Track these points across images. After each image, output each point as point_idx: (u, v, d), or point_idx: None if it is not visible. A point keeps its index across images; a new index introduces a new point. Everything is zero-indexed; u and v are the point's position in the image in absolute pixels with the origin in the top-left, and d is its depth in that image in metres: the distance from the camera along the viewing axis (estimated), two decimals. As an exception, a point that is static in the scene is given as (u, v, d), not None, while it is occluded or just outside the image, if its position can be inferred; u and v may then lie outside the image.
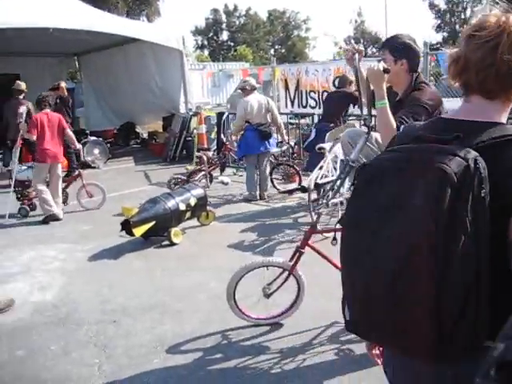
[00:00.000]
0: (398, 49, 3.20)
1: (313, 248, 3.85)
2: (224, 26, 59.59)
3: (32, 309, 4.44)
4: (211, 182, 8.87)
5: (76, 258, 5.73)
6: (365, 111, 3.33)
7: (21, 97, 10.06)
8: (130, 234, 5.76)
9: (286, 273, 3.81)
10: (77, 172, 8.21)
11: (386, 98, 2.87)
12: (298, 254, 3.78)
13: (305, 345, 3.62)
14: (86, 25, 10.78)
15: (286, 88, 12.46)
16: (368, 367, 3.16)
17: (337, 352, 3.50)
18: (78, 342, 3.80)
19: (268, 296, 3.84)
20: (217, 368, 3.40)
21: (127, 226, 5.76)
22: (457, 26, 49.46)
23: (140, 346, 3.69)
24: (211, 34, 59.31)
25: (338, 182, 3.93)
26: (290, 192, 7.68)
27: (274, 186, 8.39)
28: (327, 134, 6.73)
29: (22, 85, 10.22)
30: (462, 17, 49.75)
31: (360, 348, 3.39)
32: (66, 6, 11.28)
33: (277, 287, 3.83)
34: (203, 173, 8.63)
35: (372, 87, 2.95)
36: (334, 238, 3.71)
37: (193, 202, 6.23)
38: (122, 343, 3.76)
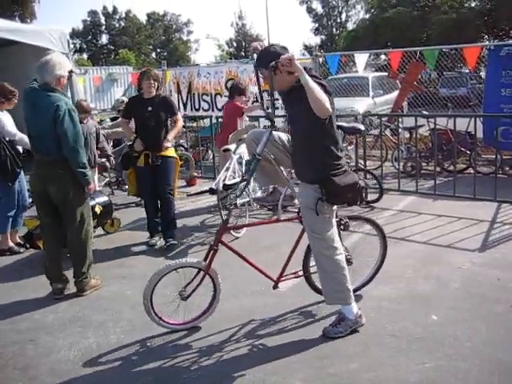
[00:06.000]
0: (269, 60, 3.42)
1: (226, 245, 3.89)
2: (103, 28, 57.93)
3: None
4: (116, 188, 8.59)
5: (-26, 277, 5.32)
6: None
7: None
8: (34, 247, 5.45)
9: (202, 273, 3.79)
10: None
11: (305, 74, 3.25)
12: (211, 252, 3.76)
13: (222, 343, 3.69)
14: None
15: (179, 91, 12.41)
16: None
17: (251, 348, 3.60)
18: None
19: (185, 299, 3.78)
20: (142, 372, 3.34)
21: (31, 239, 5.44)
22: (333, 29, 51.77)
23: (66, 362, 3.52)
24: (90, 37, 57.46)
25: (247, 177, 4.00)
26: (198, 194, 7.65)
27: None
28: (230, 136, 6.77)
29: None
30: (338, 20, 52.15)
31: (272, 341, 3.53)
32: None
33: (193, 289, 3.78)
34: (107, 180, 8.36)
35: (291, 70, 3.29)
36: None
37: (98, 209, 6.01)
38: (45, 361, 3.56)
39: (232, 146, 6.55)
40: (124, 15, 58.38)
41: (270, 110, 3.77)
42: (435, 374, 3.18)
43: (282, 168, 4.02)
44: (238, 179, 6.09)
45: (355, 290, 4.14)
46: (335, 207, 3.76)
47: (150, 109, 5.79)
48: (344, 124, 6.40)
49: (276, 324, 3.92)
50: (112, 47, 56.44)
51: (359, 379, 3.17)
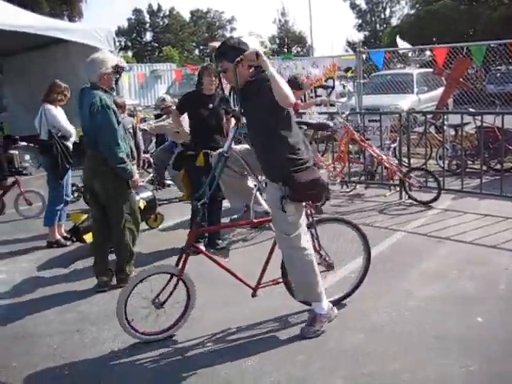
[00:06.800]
0: (233, 54, 3.47)
1: (198, 248, 3.82)
2: (148, 26, 58.75)
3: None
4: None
5: (23, 268, 5.49)
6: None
7: None
8: (81, 240, 5.59)
9: (175, 279, 3.66)
10: (14, 179, 7.87)
11: (271, 67, 3.34)
12: (184, 256, 3.65)
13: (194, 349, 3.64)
14: (10, 24, 10.30)
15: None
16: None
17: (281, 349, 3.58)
18: (41, 356, 3.65)
19: (159, 307, 3.66)
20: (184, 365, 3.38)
21: (77, 233, 5.58)
22: (377, 26, 51.12)
23: (110, 353, 3.62)
24: (134, 35, 58.37)
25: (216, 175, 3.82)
26: None
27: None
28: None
29: None
30: (382, 16, 51.46)
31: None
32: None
33: (167, 296, 3.66)
34: (150, 176, 8.46)
35: (258, 63, 3.35)
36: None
37: (142, 204, 6.11)
38: (90, 352, 3.65)
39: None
40: (168, 13, 59.08)
41: (235, 108, 3.80)
42: (479, 378, 3.11)
43: (258, 173, 3.95)
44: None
45: (347, 296, 4.15)
46: (303, 204, 3.71)
47: (210, 106, 5.54)
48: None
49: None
50: (156, 44, 57.20)
51: (398, 380, 3.14)
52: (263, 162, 3.71)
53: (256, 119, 3.62)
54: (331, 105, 9.37)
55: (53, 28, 11.12)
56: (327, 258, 4.02)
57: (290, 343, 3.63)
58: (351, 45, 47.21)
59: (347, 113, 8.11)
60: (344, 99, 10.38)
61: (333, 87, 10.07)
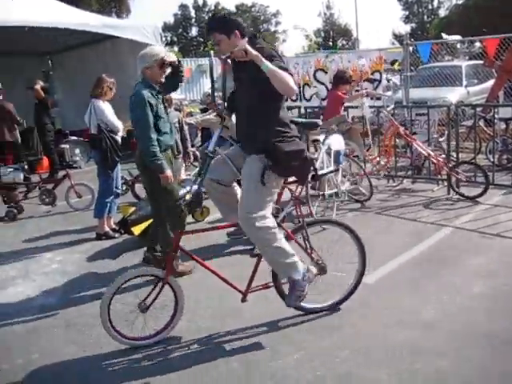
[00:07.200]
0: (225, 25, 3.46)
1: (185, 251, 3.72)
2: (193, 21, 59.22)
3: (38, 312, 4.36)
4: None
5: (74, 260, 5.66)
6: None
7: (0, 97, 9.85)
8: (129, 233, 5.71)
9: (161, 282, 3.56)
10: (64, 172, 8.10)
11: (264, 60, 3.17)
12: (169, 258, 3.59)
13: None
14: (61, 22, 10.58)
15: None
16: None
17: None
18: (91, 344, 3.76)
19: (144, 311, 3.59)
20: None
21: (125, 225, 5.71)
22: (424, 17, 50.07)
23: (160, 343, 3.69)
24: (180, 30, 58.94)
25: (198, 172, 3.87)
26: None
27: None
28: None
29: (-2, 84, 10.01)
30: (430, 7, 50.36)
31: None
32: (41, 3, 11.07)
33: (152, 299, 3.59)
34: (197, 169, 8.54)
35: (249, 59, 3.18)
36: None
37: (188, 198, 6.16)
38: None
39: (320, 137, 6.54)
40: (213, 7, 59.40)
41: (220, 107, 3.74)
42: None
43: None
44: (326, 170, 6.10)
45: (342, 302, 4.00)
46: (282, 182, 3.64)
47: None
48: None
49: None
50: (201, 39, 57.56)
51: (444, 378, 3.09)
52: (246, 132, 3.62)
53: (248, 89, 3.52)
54: (377, 98, 9.27)
55: (105, 25, 11.38)
56: (320, 261, 3.85)
57: (333, 339, 3.62)
58: (397, 37, 46.43)
59: (392, 106, 8.01)
60: (389, 93, 10.25)
61: (379, 80, 9.96)
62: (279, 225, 3.65)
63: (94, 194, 7.50)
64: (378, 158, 8.05)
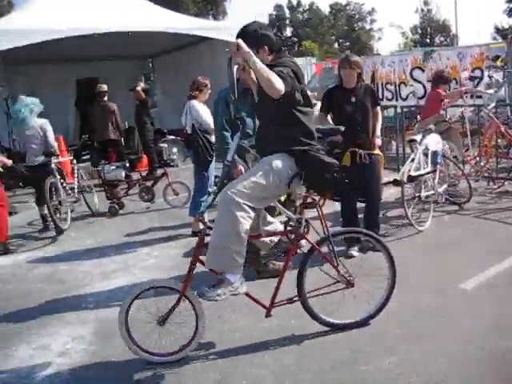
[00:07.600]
0: (255, 39, 3.43)
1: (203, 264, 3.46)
2: (288, 21, 59.61)
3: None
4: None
5: (170, 255, 5.87)
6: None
7: (105, 98, 10.36)
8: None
9: (178, 294, 3.44)
10: (163, 170, 8.42)
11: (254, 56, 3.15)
12: (190, 270, 3.45)
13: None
14: (161, 26, 11.01)
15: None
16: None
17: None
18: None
19: (161, 324, 3.47)
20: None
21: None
22: (532, 9, 47.29)
23: (245, 340, 3.76)
24: (275, 30, 59.42)
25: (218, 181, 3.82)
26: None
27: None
28: (416, 126, 6.61)
29: (105, 86, 10.52)
30: (538, -1, 47.47)
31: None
32: (142, 9, 11.58)
33: (168, 313, 3.47)
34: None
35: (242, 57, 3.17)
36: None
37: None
38: (230, 337, 3.83)
39: (418, 137, 6.37)
40: (307, 7, 59.43)
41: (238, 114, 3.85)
42: None
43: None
44: (423, 171, 5.95)
45: (372, 317, 3.79)
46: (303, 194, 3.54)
47: (353, 100, 5.20)
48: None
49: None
50: (296, 39, 57.77)
51: None
52: (270, 141, 3.52)
53: (265, 98, 3.34)
54: (478, 96, 8.88)
55: (202, 28, 11.73)
56: (347, 275, 3.68)
57: (377, 342, 3.53)
58: (500, 31, 44.19)
59: (493, 105, 7.64)
60: (491, 90, 9.79)
61: (481, 78, 9.55)
62: (303, 236, 3.57)
63: (190, 192, 7.71)
64: (477, 159, 7.72)
